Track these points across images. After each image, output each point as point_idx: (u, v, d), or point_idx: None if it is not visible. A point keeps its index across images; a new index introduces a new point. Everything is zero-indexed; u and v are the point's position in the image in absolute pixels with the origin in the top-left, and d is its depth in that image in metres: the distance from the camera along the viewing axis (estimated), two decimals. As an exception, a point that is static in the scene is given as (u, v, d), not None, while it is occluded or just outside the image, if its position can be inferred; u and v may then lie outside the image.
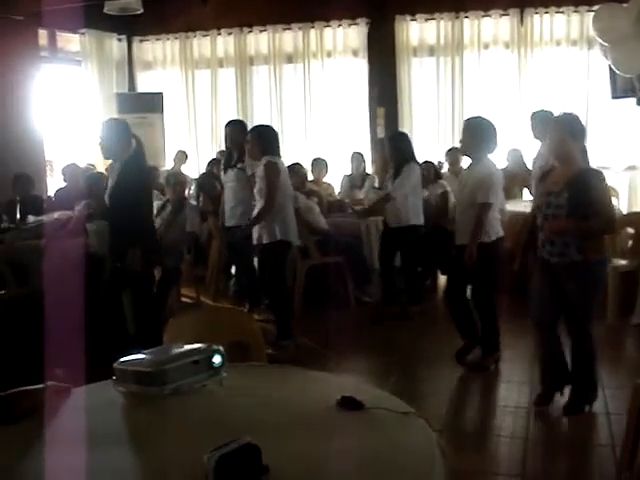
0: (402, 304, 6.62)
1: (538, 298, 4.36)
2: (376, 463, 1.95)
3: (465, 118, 5.60)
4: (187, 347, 2.42)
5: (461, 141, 5.30)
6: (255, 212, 5.76)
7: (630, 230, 6.86)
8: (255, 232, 5.74)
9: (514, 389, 4.81)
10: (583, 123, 4.21)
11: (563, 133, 4.11)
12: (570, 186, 4.03)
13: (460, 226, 5.19)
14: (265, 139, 5.70)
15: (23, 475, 1.87)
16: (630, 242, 6.84)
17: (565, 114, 4.29)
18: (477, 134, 5.08)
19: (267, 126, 6.04)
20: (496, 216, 5.13)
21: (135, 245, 4.94)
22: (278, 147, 5.76)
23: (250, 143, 5.74)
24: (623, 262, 6.39)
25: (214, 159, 8.59)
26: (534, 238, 4.38)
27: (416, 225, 6.49)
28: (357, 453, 1.98)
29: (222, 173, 6.76)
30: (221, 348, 2.41)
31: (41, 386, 2.28)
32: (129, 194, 4.95)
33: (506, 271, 5.53)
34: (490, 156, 5.18)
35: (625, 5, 7.22)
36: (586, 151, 4.43)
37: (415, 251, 6.59)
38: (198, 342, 2.47)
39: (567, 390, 4.39)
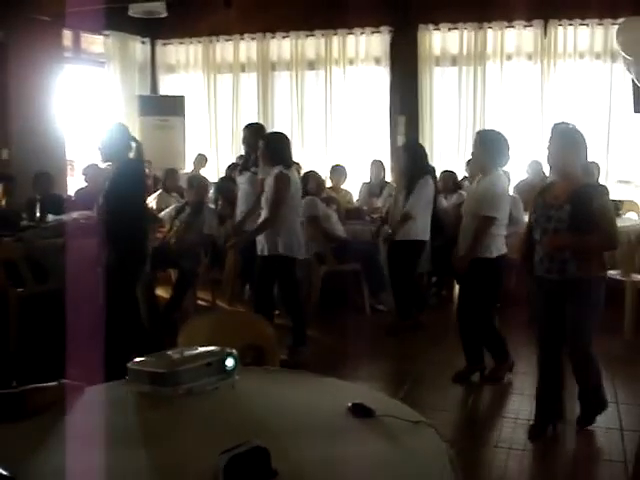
0: (413, 315, 6.59)
1: (541, 319, 4.24)
2: (384, 471, 1.95)
3: (484, 128, 5.59)
4: (200, 349, 2.44)
5: (472, 153, 5.27)
6: (259, 222, 5.65)
7: (650, 245, 6.81)
8: (258, 243, 5.61)
9: (527, 402, 4.77)
10: (584, 135, 4.12)
11: (564, 146, 4.03)
12: (572, 200, 3.93)
13: (463, 238, 5.11)
14: (276, 148, 5.57)
15: (35, 471, 1.89)
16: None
17: (566, 126, 4.22)
18: (487, 146, 5.02)
19: (279, 133, 5.95)
20: (500, 233, 5.06)
21: (113, 250, 4.96)
22: (290, 156, 5.65)
23: (261, 150, 5.62)
24: (641, 277, 6.35)
25: (233, 163, 8.63)
26: (532, 249, 4.20)
27: (422, 240, 6.41)
28: (366, 460, 1.98)
29: (237, 175, 6.75)
30: (234, 351, 2.43)
31: (54, 383, 2.30)
32: (120, 200, 4.96)
33: (516, 283, 5.51)
34: (503, 170, 5.14)
35: (650, 19, 7.19)
36: (588, 164, 4.38)
37: (415, 263, 6.56)
38: (212, 345, 2.49)
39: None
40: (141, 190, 5.41)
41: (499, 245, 5.05)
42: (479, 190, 5.07)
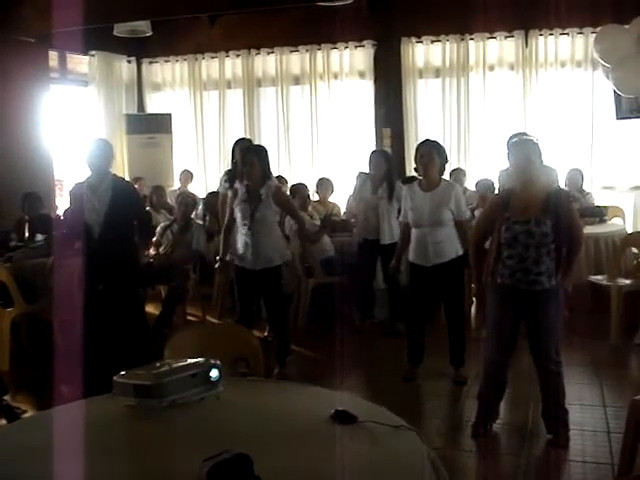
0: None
1: (497, 324, 4.26)
2: (366, 475, 1.98)
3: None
4: (185, 361, 2.47)
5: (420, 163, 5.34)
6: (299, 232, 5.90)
7: (634, 250, 6.88)
8: (261, 256, 5.48)
9: (514, 407, 4.82)
10: (539, 144, 4.22)
11: (522, 158, 4.09)
12: (550, 213, 4.02)
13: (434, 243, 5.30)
14: (267, 162, 5.60)
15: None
16: (634, 262, 6.86)
17: (521, 138, 4.30)
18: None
19: (263, 147, 5.97)
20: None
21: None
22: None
23: (251, 164, 5.48)
24: (627, 282, 6.39)
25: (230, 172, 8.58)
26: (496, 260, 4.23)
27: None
28: (348, 465, 2.01)
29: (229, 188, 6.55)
30: (218, 362, 2.46)
31: None
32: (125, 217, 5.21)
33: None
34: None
35: (627, 26, 7.28)
36: (546, 168, 4.48)
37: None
38: (198, 357, 2.52)
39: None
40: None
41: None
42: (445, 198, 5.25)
